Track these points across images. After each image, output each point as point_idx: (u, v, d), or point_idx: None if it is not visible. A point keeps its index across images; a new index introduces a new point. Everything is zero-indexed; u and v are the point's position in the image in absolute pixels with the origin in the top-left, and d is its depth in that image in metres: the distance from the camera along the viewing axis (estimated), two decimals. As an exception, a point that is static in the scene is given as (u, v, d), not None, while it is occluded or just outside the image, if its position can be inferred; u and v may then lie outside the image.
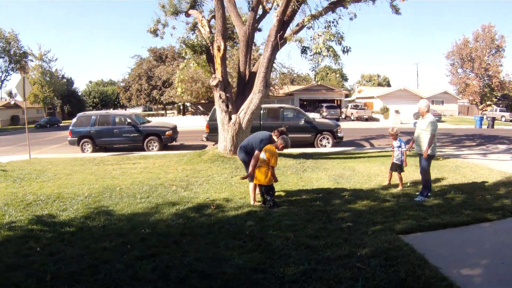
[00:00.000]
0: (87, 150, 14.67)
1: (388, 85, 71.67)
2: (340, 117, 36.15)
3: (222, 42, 10.13)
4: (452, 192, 6.57)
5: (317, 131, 14.59)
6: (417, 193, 6.41)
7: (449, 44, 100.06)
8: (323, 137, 14.56)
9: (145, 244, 4.39)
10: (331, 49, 8.41)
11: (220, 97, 10.42)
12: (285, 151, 12.80)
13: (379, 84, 73.61)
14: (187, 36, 10.76)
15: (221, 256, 3.90)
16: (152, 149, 14.80)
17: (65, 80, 47.09)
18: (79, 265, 3.85)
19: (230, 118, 10.43)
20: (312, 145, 14.66)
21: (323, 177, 8.30)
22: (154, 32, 13.46)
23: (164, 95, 31.98)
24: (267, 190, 5.62)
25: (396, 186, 7.17)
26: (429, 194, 6.27)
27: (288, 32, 10.30)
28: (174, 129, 15.97)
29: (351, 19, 11.38)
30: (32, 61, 39.31)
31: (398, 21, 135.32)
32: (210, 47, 10.61)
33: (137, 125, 14.95)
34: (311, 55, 9.09)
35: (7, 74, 35.72)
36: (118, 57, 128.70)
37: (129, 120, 14.94)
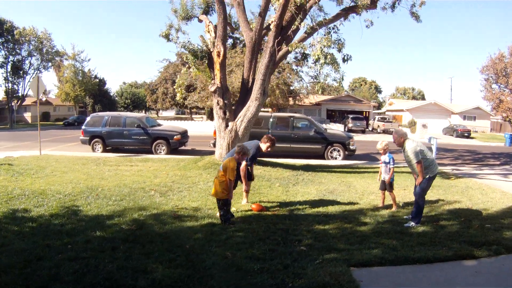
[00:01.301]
0: (98, 150, 15.29)
1: (423, 98, 70.10)
2: (366, 129, 35.67)
3: (222, 47, 10.24)
4: (447, 218, 6.14)
5: (328, 142, 14.34)
6: (405, 217, 6.03)
7: (484, 58, 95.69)
8: (334, 149, 14.27)
9: (86, 246, 4.54)
10: (329, 56, 8.22)
11: (218, 104, 10.51)
12: (288, 161, 12.99)
13: (413, 98, 71.95)
14: (188, 41, 10.92)
15: (145, 267, 3.93)
16: (160, 152, 15.14)
17: (97, 80, 49.55)
18: (17, 259, 4.11)
19: (226, 125, 10.49)
20: (323, 157, 14.39)
21: (312, 192, 8.11)
22: (167, 37, 13.74)
23: (187, 99, 32.75)
24: (221, 204, 5.54)
25: (389, 206, 6.77)
26: (421, 219, 5.76)
27: (296, 39, 10.24)
28: (183, 133, 16.29)
29: (367, 26, 11.11)
30: (67, 59, 41.87)
31: (434, 33, 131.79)
32: (212, 53, 10.73)
33: (146, 128, 15.39)
34: (312, 63, 8.95)
35: (38, 72, 38.33)
36: (153, 60, 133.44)
37: (138, 123, 15.38)
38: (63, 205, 6.50)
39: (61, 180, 8.64)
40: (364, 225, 5.71)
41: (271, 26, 9.30)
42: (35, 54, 37.32)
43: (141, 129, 15.33)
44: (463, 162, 15.03)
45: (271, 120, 14.80)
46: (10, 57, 36.92)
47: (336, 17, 10.33)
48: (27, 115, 46.40)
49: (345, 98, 42.97)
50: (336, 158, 14.14)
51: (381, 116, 38.34)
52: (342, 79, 9.16)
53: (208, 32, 11.68)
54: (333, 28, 8.91)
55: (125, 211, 6.15)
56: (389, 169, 6.79)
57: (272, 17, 9.77)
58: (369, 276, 3.84)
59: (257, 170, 10.30)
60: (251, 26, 11.59)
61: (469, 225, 5.66)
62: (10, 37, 35.65)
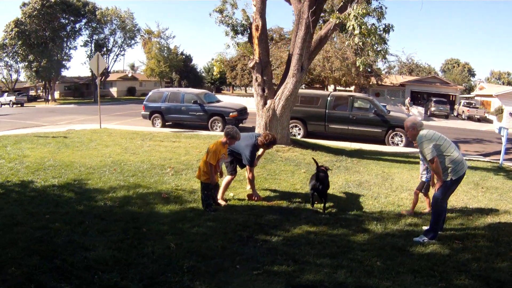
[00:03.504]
0: (157, 125, 16.18)
1: (519, 84, 59.98)
2: (451, 114, 32.36)
3: (260, 20, 9.78)
4: (479, 234, 4.83)
5: (389, 126, 12.93)
6: (425, 228, 4.89)
7: None
8: (396, 134, 12.83)
9: (61, 218, 4.82)
10: (363, 26, 7.11)
11: (256, 80, 10.16)
12: (339, 144, 12.06)
13: (509, 83, 62.87)
14: (226, 15, 10.63)
15: (89, 245, 3.99)
16: (216, 129, 15.37)
17: (183, 56, 52.44)
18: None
19: (265, 103, 10.07)
20: (384, 142, 13.10)
21: (337, 183, 7.38)
22: (221, 12, 13.63)
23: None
24: (202, 188, 5.29)
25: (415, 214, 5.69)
26: (438, 233, 4.66)
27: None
28: (241, 110, 16.23)
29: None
30: (155, 37, 45.21)
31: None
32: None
33: (203, 104, 15.70)
34: (349, 35, 7.92)
35: (122, 50, 42.15)
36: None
37: (195, 99, 15.74)
38: (77, 177, 6.97)
39: (97, 154, 9.27)
40: (361, 232, 4.80)
41: (304, -6, 8.47)
42: (118, 32, 40.98)
43: (198, 105, 15.71)
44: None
45: (328, 99, 13.87)
46: (94, 36, 41.11)
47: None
48: (113, 90, 51.66)
49: (430, 80, 39.35)
50: (397, 144, 12.73)
51: (467, 101, 34.32)
52: (386, 52, 7.93)
53: (254, 5, 11.19)
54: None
55: (124, 187, 6.35)
56: (426, 168, 5.62)
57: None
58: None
59: (293, 152, 9.80)
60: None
61: (501, 251, 4.33)
62: (93, 17, 39.54)
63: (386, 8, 7.52)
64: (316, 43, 10.23)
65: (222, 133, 5.55)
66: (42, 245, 3.96)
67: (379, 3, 7.64)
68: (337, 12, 8.47)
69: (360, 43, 7.55)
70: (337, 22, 8.80)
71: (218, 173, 5.45)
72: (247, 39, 11.07)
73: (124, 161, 8.41)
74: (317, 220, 5.12)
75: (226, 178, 5.89)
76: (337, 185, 7.16)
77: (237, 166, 6.09)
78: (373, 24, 7.45)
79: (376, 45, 7.67)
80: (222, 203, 5.71)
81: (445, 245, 4.45)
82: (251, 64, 10.16)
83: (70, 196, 5.87)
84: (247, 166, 5.86)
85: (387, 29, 7.51)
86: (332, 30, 10.16)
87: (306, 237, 4.51)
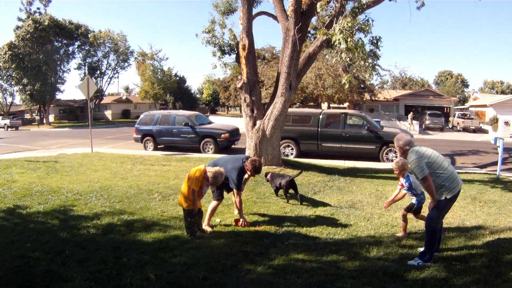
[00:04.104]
0: (149, 148, 16.07)
1: (512, 92, 61.39)
2: (446, 127, 33.15)
3: (247, 39, 9.82)
4: (480, 254, 4.59)
5: (383, 142, 12.87)
6: (421, 249, 4.68)
7: None
8: (390, 150, 12.76)
9: (41, 246, 4.72)
10: (350, 40, 7.09)
11: (245, 101, 10.13)
12: (332, 163, 11.97)
13: (502, 92, 64.39)
14: (213, 36, 10.67)
15: (67, 275, 3.88)
16: (208, 151, 15.26)
17: (176, 78, 52.82)
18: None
19: (254, 124, 10.00)
20: (378, 158, 13.01)
21: (331, 203, 7.25)
22: (209, 32, 13.73)
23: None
24: (185, 215, 5.15)
25: (409, 234, 5.52)
26: (434, 255, 4.45)
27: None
28: (232, 132, 16.16)
29: (418, 8, 9.59)
30: (148, 59, 45.63)
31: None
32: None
33: (194, 126, 15.63)
34: (335, 51, 7.95)
35: (116, 72, 42.45)
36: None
37: (186, 121, 15.67)
38: (63, 203, 6.87)
39: (85, 179, 9.13)
40: (351, 257, 4.56)
41: (289, 12, 8.54)
42: (111, 55, 41.40)
43: (189, 127, 15.65)
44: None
45: (320, 117, 13.85)
46: (87, 59, 41.40)
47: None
48: (108, 113, 51.75)
49: (424, 93, 40.22)
50: (392, 160, 12.60)
51: (462, 113, 34.94)
52: (375, 65, 7.93)
53: (241, 24, 11.28)
54: (359, 8, 7.70)
55: (108, 214, 6.24)
56: (412, 194, 5.40)
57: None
58: None
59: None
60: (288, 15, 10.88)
61: (501, 270, 4.13)
62: (86, 40, 39.92)
63: (373, 21, 7.55)
64: (304, 60, 10.26)
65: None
66: (19, 275, 3.87)
67: (366, 16, 7.69)
68: (324, 29, 8.50)
69: (347, 59, 7.54)
70: (325, 38, 8.85)
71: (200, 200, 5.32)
72: (234, 59, 11.16)
73: (112, 186, 8.27)
74: (306, 246, 4.91)
75: (212, 203, 5.73)
76: (328, 207, 7.00)
77: (224, 191, 5.94)
78: (360, 38, 7.46)
79: (364, 61, 7.63)
80: (208, 229, 5.54)
81: (441, 267, 4.24)
82: (239, 85, 10.17)
83: (54, 223, 5.76)
84: (234, 190, 5.72)
85: (375, 41, 7.52)
86: (319, 46, 10.20)
87: (293, 264, 4.31)
